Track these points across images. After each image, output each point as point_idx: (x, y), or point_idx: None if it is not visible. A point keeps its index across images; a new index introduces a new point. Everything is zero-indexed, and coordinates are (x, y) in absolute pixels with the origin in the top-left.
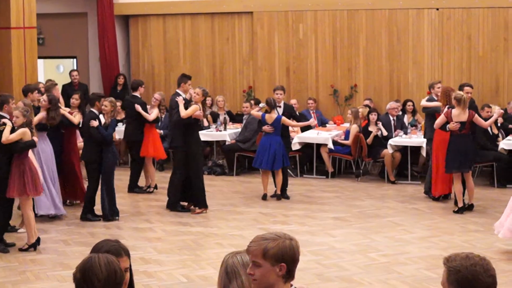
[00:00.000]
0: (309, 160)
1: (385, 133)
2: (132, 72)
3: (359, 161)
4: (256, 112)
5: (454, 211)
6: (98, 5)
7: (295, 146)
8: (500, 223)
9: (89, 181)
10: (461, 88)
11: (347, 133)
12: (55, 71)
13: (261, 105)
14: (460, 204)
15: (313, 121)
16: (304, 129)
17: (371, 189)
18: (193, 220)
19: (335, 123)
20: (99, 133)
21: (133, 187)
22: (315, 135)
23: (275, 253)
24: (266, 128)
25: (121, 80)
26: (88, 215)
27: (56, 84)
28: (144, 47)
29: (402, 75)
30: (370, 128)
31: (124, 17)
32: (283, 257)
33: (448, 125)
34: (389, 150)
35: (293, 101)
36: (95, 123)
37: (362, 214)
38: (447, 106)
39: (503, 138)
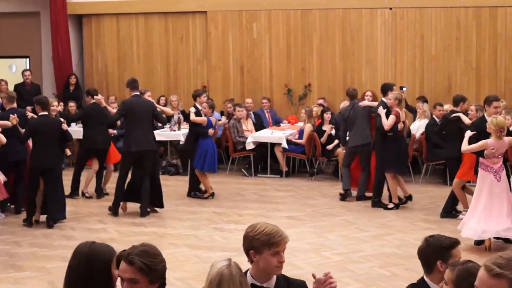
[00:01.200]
0: (263, 160)
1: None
2: (85, 72)
3: (313, 160)
4: (200, 118)
5: (389, 208)
6: (51, 4)
7: (249, 146)
8: (464, 223)
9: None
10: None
11: (301, 132)
12: (7, 71)
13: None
14: (396, 201)
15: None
16: (258, 128)
17: (325, 188)
18: (147, 220)
19: (289, 122)
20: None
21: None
22: (269, 135)
23: None
24: (211, 131)
25: (73, 80)
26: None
27: None
28: (98, 47)
29: (355, 74)
30: (323, 127)
31: (77, 16)
32: None
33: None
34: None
35: (247, 101)
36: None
37: (316, 213)
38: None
39: None
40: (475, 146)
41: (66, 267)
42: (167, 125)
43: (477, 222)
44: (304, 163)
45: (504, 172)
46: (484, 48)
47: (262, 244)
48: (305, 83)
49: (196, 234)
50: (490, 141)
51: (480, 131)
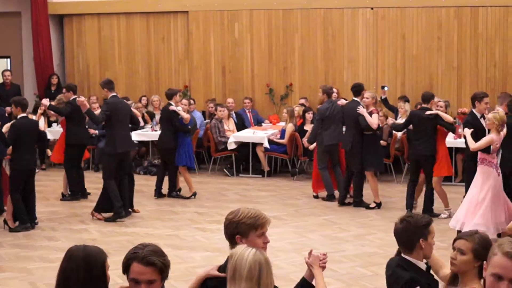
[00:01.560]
0: (245, 160)
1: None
2: (66, 72)
3: (295, 160)
4: (187, 115)
5: (371, 207)
6: (32, 4)
7: (231, 146)
8: (456, 220)
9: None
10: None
11: (282, 132)
12: None
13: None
14: (378, 200)
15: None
16: (239, 128)
17: (307, 188)
18: (129, 220)
19: (270, 122)
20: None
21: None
22: (250, 134)
23: None
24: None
25: (54, 80)
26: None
27: None
28: (79, 47)
29: (337, 74)
30: (305, 127)
31: (58, 16)
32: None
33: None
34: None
35: (229, 100)
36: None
37: (298, 212)
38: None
39: None
40: (483, 142)
41: (59, 272)
42: (149, 125)
43: (485, 217)
44: (286, 163)
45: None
46: (465, 47)
47: (248, 227)
48: (287, 83)
49: (178, 234)
50: (494, 136)
51: (475, 127)
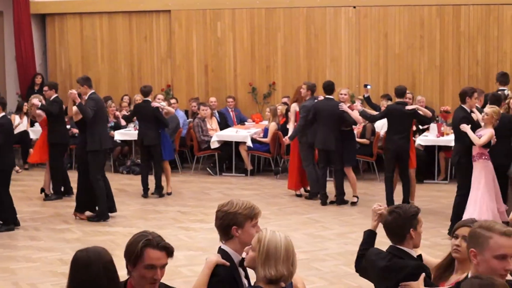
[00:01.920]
0: (228, 158)
1: None
2: (49, 72)
3: (278, 158)
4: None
5: (354, 202)
6: (14, 4)
7: (214, 145)
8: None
9: None
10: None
11: (265, 131)
12: None
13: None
14: (356, 193)
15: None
16: (222, 127)
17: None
18: (112, 220)
19: (253, 121)
20: None
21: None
22: (233, 133)
23: None
24: None
25: (38, 80)
26: None
27: None
28: (61, 46)
29: (320, 73)
30: (288, 126)
31: (40, 15)
32: None
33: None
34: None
35: (212, 99)
36: None
37: (281, 211)
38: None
39: (419, 134)
40: (487, 137)
41: (73, 285)
42: (132, 124)
43: (490, 209)
44: (269, 161)
45: None
46: (448, 46)
47: (245, 217)
48: (270, 82)
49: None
50: (492, 130)
51: (469, 123)
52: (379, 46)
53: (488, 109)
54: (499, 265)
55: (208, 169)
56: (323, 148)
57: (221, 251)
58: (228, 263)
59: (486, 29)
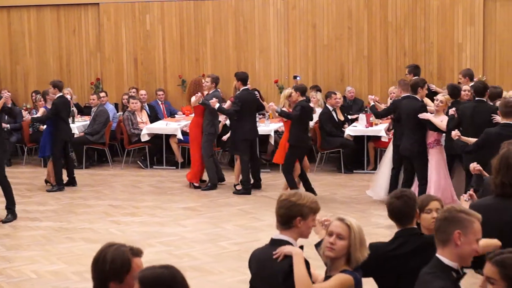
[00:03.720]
0: (159, 151)
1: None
2: None
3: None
4: None
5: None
6: None
7: (144, 138)
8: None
9: None
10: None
11: None
12: None
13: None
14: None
15: None
16: (152, 120)
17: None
18: (42, 214)
19: (184, 114)
20: None
21: None
22: (164, 126)
23: None
24: None
25: None
26: None
27: None
28: None
29: (249, 64)
30: (219, 118)
31: None
32: None
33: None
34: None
35: (141, 92)
36: None
37: (213, 203)
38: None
39: (349, 125)
40: (445, 123)
41: None
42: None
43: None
44: None
45: None
46: (375, 37)
47: (310, 210)
48: (199, 74)
49: (92, 228)
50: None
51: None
52: (308, 37)
53: (441, 96)
54: (477, 248)
55: (138, 162)
56: (249, 138)
57: (279, 242)
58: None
59: (413, 19)
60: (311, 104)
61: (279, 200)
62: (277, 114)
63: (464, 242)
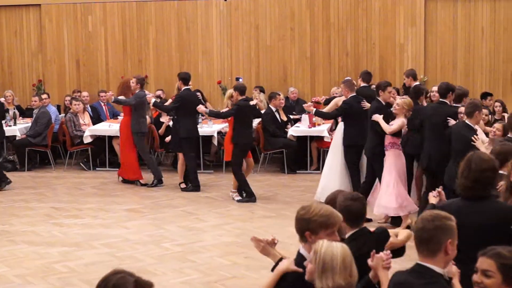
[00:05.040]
0: (102, 153)
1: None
2: None
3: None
4: None
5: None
6: None
7: (87, 139)
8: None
9: None
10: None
11: None
12: None
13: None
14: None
15: None
16: (95, 122)
17: (164, 180)
18: None
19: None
20: None
21: None
22: (106, 128)
23: None
24: None
25: None
26: None
27: None
28: None
29: (192, 65)
30: (161, 119)
31: None
32: None
33: None
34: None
35: (84, 94)
36: None
37: (155, 204)
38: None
39: (291, 125)
40: (397, 126)
41: None
42: (3, 121)
43: (395, 199)
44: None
45: None
46: (318, 37)
47: (319, 225)
48: (142, 75)
49: (34, 230)
50: (404, 120)
51: (385, 114)
52: (251, 38)
53: (399, 99)
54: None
55: (81, 164)
56: (191, 136)
57: (298, 255)
58: (300, 270)
59: (355, 20)
60: (253, 102)
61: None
62: (207, 115)
63: (452, 249)
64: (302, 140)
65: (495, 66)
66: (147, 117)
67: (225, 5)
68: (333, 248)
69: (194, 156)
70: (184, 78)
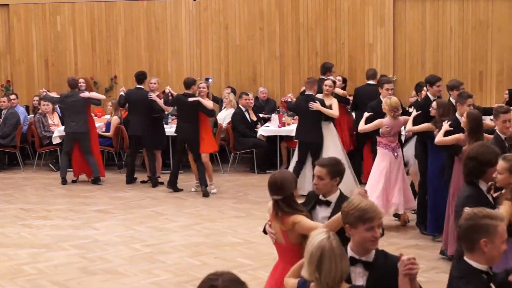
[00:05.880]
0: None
1: None
2: None
3: (121, 152)
4: None
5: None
6: None
7: (56, 140)
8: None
9: None
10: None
11: (108, 125)
12: None
13: None
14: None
15: None
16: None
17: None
18: None
19: (96, 115)
20: None
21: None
22: None
23: None
24: None
25: None
26: None
27: None
28: None
29: (161, 66)
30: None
31: None
32: None
33: None
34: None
35: (53, 94)
36: None
37: (125, 205)
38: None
39: (261, 125)
40: (371, 125)
41: None
42: None
43: (378, 198)
44: (113, 156)
45: (400, 150)
46: (287, 37)
47: (356, 219)
48: (111, 75)
49: (3, 232)
50: (385, 120)
51: (376, 111)
52: (220, 38)
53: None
54: (504, 247)
55: (50, 165)
56: (134, 134)
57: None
58: None
59: (325, 20)
60: (224, 105)
61: None
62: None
63: (491, 248)
64: (272, 139)
65: (463, 65)
66: (116, 117)
67: (194, 5)
68: (313, 239)
69: (132, 154)
70: (135, 76)
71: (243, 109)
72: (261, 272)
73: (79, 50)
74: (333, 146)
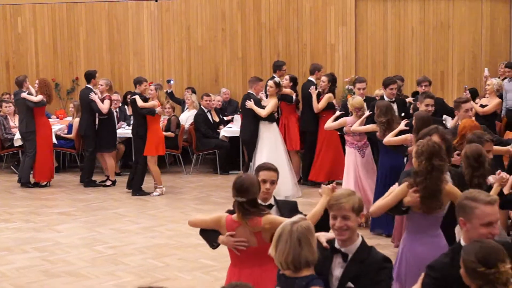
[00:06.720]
0: None
1: None
2: None
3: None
4: None
5: (104, 182)
6: None
7: (17, 142)
8: None
9: None
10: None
11: (70, 127)
12: None
13: None
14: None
15: None
16: None
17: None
18: None
19: (57, 117)
20: None
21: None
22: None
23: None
24: None
25: None
26: None
27: None
28: None
29: (123, 67)
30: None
31: None
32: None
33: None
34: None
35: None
36: None
37: (87, 207)
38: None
39: (224, 126)
40: (335, 124)
41: None
42: None
43: None
44: (75, 158)
45: (369, 148)
46: (249, 38)
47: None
48: (73, 77)
49: None
50: (349, 119)
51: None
52: (182, 39)
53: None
54: (486, 231)
55: (12, 167)
56: (81, 134)
57: None
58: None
59: (286, 21)
60: (186, 106)
61: None
62: None
63: (469, 228)
64: (234, 140)
65: (425, 66)
66: (78, 119)
67: (156, 6)
68: (284, 222)
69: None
70: (84, 75)
71: (206, 110)
72: (224, 273)
73: (40, 52)
74: (268, 147)
